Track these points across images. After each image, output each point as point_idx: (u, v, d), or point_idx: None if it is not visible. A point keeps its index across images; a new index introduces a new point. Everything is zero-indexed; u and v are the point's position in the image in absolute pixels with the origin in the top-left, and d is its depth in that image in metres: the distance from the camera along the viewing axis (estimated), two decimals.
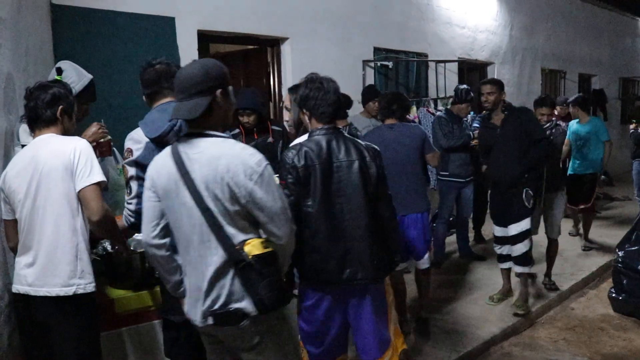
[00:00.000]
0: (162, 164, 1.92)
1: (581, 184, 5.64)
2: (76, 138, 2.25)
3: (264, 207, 1.82)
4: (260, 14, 5.01)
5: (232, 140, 1.91)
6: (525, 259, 4.12)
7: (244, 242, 1.84)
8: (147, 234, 1.96)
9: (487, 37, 8.09)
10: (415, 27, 6.77)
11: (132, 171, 2.22)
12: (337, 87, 2.48)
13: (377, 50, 6.23)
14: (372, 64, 6.15)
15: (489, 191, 4.46)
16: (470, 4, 7.69)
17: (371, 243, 2.39)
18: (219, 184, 1.81)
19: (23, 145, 2.48)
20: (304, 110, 2.48)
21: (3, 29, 2.43)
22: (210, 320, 1.88)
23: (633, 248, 4.32)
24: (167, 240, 1.97)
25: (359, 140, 2.49)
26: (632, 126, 6.86)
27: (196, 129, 1.89)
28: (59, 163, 2.14)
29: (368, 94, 5.07)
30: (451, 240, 5.82)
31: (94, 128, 2.74)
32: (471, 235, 5.98)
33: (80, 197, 2.16)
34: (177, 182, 1.86)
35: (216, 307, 1.86)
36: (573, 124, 5.99)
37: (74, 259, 2.16)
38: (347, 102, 4.14)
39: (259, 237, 1.89)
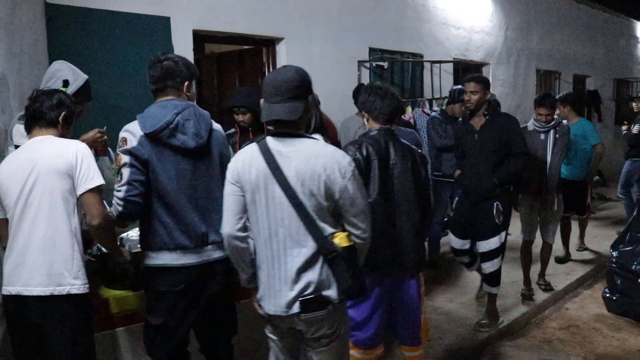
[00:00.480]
0: (250, 159, 2.03)
1: (570, 191, 5.03)
2: (76, 141, 2.27)
3: (355, 202, 2.00)
4: (255, 14, 5.00)
5: (322, 142, 2.12)
6: (493, 279, 3.81)
7: (332, 235, 2.01)
8: (231, 227, 2.05)
9: (483, 38, 8.11)
10: (410, 27, 6.78)
11: (125, 159, 2.21)
12: (396, 94, 2.77)
13: (372, 50, 6.24)
14: (368, 64, 6.16)
15: (456, 198, 4.12)
16: (465, 4, 7.71)
17: (417, 239, 2.69)
18: (316, 180, 1.95)
19: (16, 146, 2.47)
20: (364, 112, 2.78)
21: None
22: (296, 308, 2.00)
23: (627, 248, 4.34)
24: (248, 233, 2.08)
25: (411, 145, 2.73)
26: (624, 127, 6.90)
27: (289, 129, 2.02)
28: (60, 163, 2.14)
29: (359, 93, 5.04)
30: (446, 240, 5.82)
31: (92, 133, 2.72)
32: None
33: (82, 200, 2.17)
34: (267, 177, 1.98)
35: (305, 294, 1.99)
36: None
37: (70, 259, 2.15)
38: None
39: (344, 231, 2.05)
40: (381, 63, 6.25)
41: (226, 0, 4.77)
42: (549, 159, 4.30)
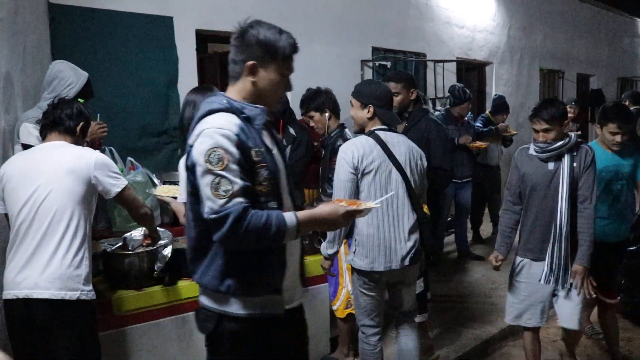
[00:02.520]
0: (369, 148, 2.58)
1: (603, 257, 3.06)
2: (90, 149, 2.33)
3: (424, 181, 2.77)
4: (258, 13, 4.97)
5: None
6: (419, 304, 3.09)
7: (420, 205, 2.70)
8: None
9: (486, 37, 8.09)
10: (413, 27, 6.77)
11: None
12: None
13: (375, 50, 6.23)
14: (371, 64, 6.15)
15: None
16: (468, 4, 7.69)
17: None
18: (416, 163, 2.67)
19: (23, 145, 2.48)
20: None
21: (0, 28, 2.43)
22: (407, 262, 2.61)
23: (631, 248, 4.32)
24: None
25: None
26: None
27: (388, 126, 2.68)
28: (77, 170, 2.18)
29: None
30: (449, 240, 5.82)
31: (91, 128, 2.74)
32: (469, 235, 5.98)
33: (122, 200, 2.31)
34: (385, 160, 2.58)
35: (413, 251, 2.63)
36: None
37: (82, 265, 2.17)
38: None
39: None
40: (384, 62, 6.24)
41: (229, 0, 4.77)
42: (562, 205, 2.76)
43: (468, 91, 5.24)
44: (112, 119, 3.41)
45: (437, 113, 5.72)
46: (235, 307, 1.71)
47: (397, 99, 3.21)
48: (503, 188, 7.05)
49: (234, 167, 1.59)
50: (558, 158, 2.81)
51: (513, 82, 8.68)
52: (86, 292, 2.17)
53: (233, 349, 1.73)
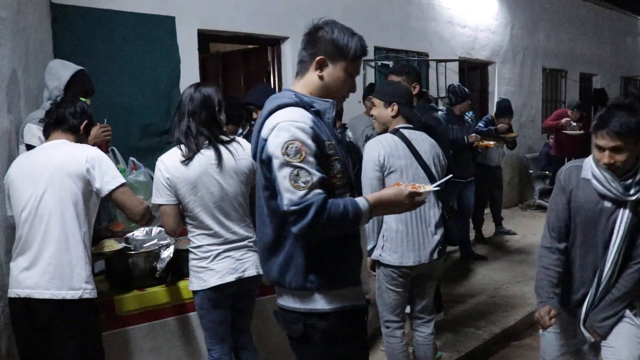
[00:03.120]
0: (395, 145, 2.67)
1: None
2: (87, 145, 2.31)
3: None
4: (260, 13, 5.00)
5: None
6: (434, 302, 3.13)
7: None
8: None
9: (488, 37, 8.07)
10: (415, 26, 6.76)
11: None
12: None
13: (377, 49, 6.22)
14: (373, 63, 6.14)
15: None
16: (471, 3, 7.68)
17: None
18: (438, 160, 2.79)
19: (27, 145, 2.48)
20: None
21: (3, 28, 2.43)
22: (435, 255, 2.71)
23: None
24: None
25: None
26: None
27: (411, 124, 2.77)
28: (72, 168, 2.16)
29: (368, 92, 5.01)
30: None
31: (95, 131, 2.74)
32: (472, 235, 5.97)
33: (114, 201, 2.23)
34: (411, 157, 2.68)
35: (440, 245, 2.73)
36: None
37: (82, 263, 2.16)
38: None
39: None
40: (386, 62, 6.23)
41: (231, 0, 4.77)
42: (611, 257, 2.16)
43: (466, 89, 5.25)
44: (114, 119, 3.41)
45: (439, 113, 5.72)
46: (321, 303, 1.70)
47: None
48: (505, 186, 7.05)
49: (311, 159, 1.58)
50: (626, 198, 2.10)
51: (515, 81, 8.66)
52: (89, 290, 2.16)
53: (325, 346, 1.72)
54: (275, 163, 1.59)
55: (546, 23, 9.34)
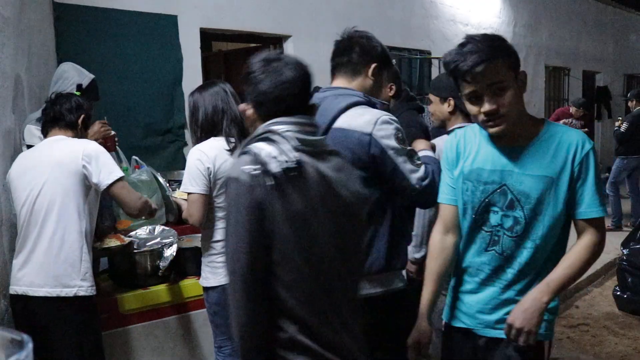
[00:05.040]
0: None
1: None
2: (85, 141, 2.28)
3: None
4: (262, 11, 4.99)
5: None
6: None
7: None
8: None
9: None
10: (418, 24, 6.75)
11: None
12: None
13: None
14: None
15: None
16: (473, 1, 7.66)
17: None
18: None
19: (28, 146, 2.49)
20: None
21: (6, 27, 2.43)
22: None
23: (638, 246, 4.30)
24: None
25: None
26: (617, 123, 6.92)
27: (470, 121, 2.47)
28: (68, 163, 2.15)
29: None
30: None
31: (96, 126, 2.74)
32: None
33: (111, 195, 2.21)
34: None
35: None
36: None
37: (78, 261, 2.15)
38: None
39: None
40: None
41: None
42: None
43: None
44: (117, 118, 3.42)
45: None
46: (397, 282, 1.92)
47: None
48: None
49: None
50: None
51: None
52: (85, 287, 2.15)
53: (399, 320, 1.91)
54: (392, 153, 1.79)
55: (549, 21, 9.32)
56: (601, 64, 11.08)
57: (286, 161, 1.30)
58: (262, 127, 1.39)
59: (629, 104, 7.25)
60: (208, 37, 4.90)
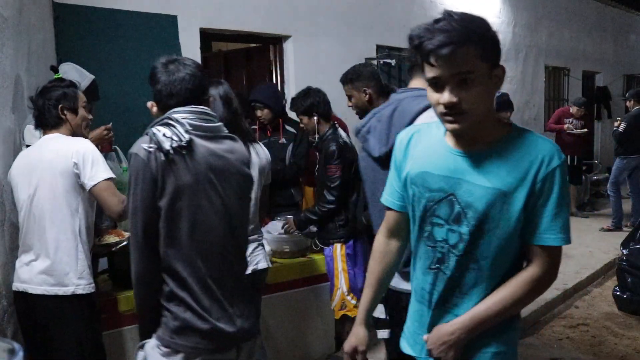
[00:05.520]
0: None
1: None
2: (80, 139, 2.26)
3: None
4: (262, 12, 4.99)
5: None
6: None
7: None
8: None
9: None
10: (418, 24, 6.73)
11: None
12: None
13: (380, 48, 6.21)
14: (375, 62, 6.13)
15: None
16: (473, 1, 7.65)
17: None
18: None
19: (28, 146, 2.49)
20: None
21: (5, 28, 2.43)
22: None
23: (637, 246, 4.30)
24: None
25: None
26: (616, 124, 6.94)
27: None
28: (61, 163, 2.15)
29: (386, 94, 4.90)
30: None
31: (99, 130, 2.73)
32: None
33: (94, 196, 2.18)
34: None
35: None
36: None
37: (74, 259, 2.16)
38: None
39: None
40: (388, 60, 6.22)
41: None
42: None
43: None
44: (117, 118, 3.41)
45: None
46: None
47: (351, 102, 2.98)
48: None
49: None
50: None
51: (518, 79, 8.64)
52: (82, 286, 2.16)
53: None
54: None
55: (548, 21, 9.32)
56: (601, 64, 11.08)
57: (178, 140, 1.58)
58: (164, 115, 1.67)
59: (627, 103, 7.26)
60: (208, 37, 4.90)
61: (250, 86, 5.12)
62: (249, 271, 2.40)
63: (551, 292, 4.50)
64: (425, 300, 1.45)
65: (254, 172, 2.43)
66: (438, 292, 1.42)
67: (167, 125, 1.63)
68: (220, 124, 1.77)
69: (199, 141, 1.65)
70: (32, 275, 2.13)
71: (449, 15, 1.35)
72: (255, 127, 3.75)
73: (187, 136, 1.60)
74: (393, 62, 6.27)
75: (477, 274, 1.37)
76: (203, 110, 1.71)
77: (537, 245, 1.33)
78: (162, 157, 1.58)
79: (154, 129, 1.62)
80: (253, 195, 2.43)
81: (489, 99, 1.35)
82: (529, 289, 1.35)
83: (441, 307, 1.43)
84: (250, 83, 5.44)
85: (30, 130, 2.52)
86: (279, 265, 3.19)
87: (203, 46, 4.69)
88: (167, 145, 1.58)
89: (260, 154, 2.61)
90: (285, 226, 3.29)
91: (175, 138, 1.59)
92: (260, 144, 2.72)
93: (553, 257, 1.35)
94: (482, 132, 1.35)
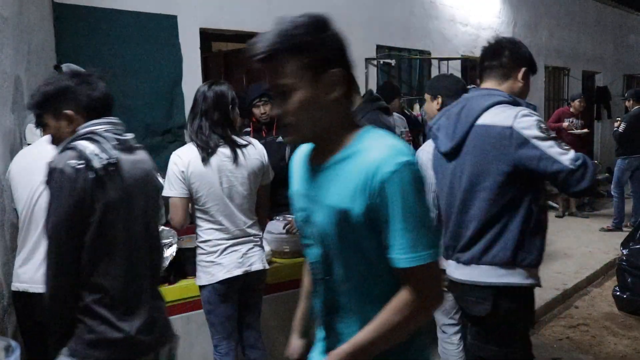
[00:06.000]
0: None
1: None
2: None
3: None
4: (262, 12, 4.99)
5: None
6: None
7: None
8: None
9: (490, 35, 8.02)
10: (418, 24, 6.75)
11: None
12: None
13: (379, 48, 6.21)
14: (375, 62, 6.14)
15: None
16: (473, 1, 7.67)
17: None
18: None
19: (29, 144, 2.49)
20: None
21: (5, 28, 2.43)
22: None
23: (637, 246, 4.30)
24: None
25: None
26: (616, 124, 6.94)
27: None
28: None
29: (392, 92, 4.77)
30: None
31: None
32: None
33: None
34: None
35: None
36: None
37: None
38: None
39: None
40: (388, 60, 6.23)
41: None
42: None
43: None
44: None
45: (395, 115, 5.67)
46: (519, 278, 1.89)
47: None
48: None
49: None
50: None
51: None
52: None
53: (510, 320, 1.96)
54: (536, 141, 1.83)
55: (548, 21, 9.32)
56: (601, 64, 11.09)
57: (107, 158, 1.56)
58: (83, 127, 1.64)
59: (626, 103, 7.26)
60: (208, 37, 4.90)
61: (250, 86, 5.11)
62: (240, 272, 2.40)
63: (551, 292, 4.50)
64: (318, 325, 1.37)
65: (244, 171, 2.41)
66: (322, 316, 1.32)
67: (93, 140, 1.60)
68: (132, 135, 1.77)
69: (123, 156, 1.65)
70: (33, 274, 2.13)
71: (277, 23, 1.29)
72: (249, 129, 3.74)
73: (115, 152, 1.59)
74: (393, 62, 6.28)
75: (348, 299, 1.24)
76: (118, 122, 1.73)
77: (397, 268, 1.16)
78: (91, 175, 1.54)
79: (79, 145, 1.57)
80: (246, 190, 2.43)
81: (319, 109, 1.19)
82: (406, 315, 1.16)
83: (330, 332, 1.31)
84: (250, 83, 5.43)
85: (31, 129, 2.52)
86: (279, 265, 3.18)
87: (203, 46, 4.69)
88: (97, 163, 1.54)
89: (252, 154, 2.50)
90: (287, 226, 3.28)
91: (104, 155, 1.56)
92: (255, 140, 2.62)
93: (416, 279, 1.15)
94: (330, 144, 1.22)
